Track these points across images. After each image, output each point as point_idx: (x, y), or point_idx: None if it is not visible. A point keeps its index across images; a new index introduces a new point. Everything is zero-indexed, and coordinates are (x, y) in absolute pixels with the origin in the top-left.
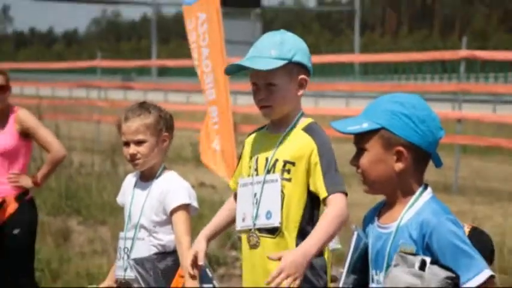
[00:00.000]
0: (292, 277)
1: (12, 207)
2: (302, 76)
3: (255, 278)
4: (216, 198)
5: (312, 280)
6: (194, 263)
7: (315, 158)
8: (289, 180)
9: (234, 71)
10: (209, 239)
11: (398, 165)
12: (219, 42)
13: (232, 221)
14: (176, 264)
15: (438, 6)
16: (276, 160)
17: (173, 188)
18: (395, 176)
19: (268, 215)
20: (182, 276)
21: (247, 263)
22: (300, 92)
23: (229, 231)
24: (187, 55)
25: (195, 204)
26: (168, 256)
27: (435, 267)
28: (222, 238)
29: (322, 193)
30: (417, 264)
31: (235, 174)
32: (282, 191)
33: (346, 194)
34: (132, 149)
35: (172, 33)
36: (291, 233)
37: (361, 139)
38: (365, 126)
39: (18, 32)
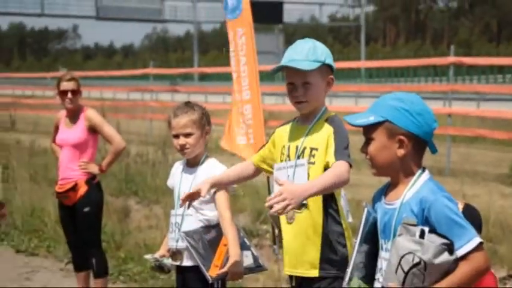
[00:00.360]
0: (287, 201)
1: (83, 189)
2: (331, 76)
3: (290, 245)
4: (248, 181)
5: (333, 245)
6: (191, 196)
7: (331, 139)
8: (313, 163)
9: (277, 71)
10: (212, 185)
11: (400, 151)
12: (253, 52)
13: (238, 181)
14: (219, 234)
15: (429, 21)
16: (304, 148)
17: (215, 171)
18: (398, 160)
19: None
20: (225, 245)
21: (285, 234)
22: (327, 90)
23: (260, 209)
24: (223, 63)
25: (233, 185)
26: (212, 229)
27: (432, 236)
28: (254, 215)
29: (331, 160)
30: (417, 233)
31: (259, 152)
32: (308, 173)
33: (350, 165)
34: (182, 140)
35: (210, 46)
36: (317, 207)
37: (368, 130)
38: (372, 119)
39: (85, 46)
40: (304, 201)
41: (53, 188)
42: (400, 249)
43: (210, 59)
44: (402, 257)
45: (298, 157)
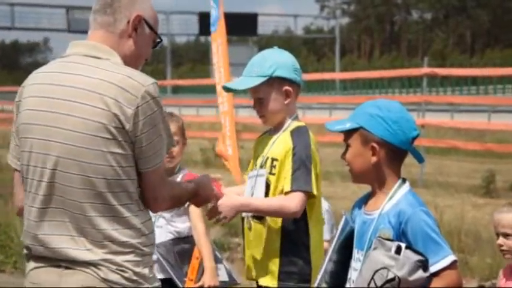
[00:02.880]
0: (223, 214)
1: None
2: (285, 87)
3: (250, 252)
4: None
5: (293, 258)
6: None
7: (288, 158)
8: (274, 174)
9: (229, 91)
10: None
11: (373, 159)
12: (226, 64)
13: None
14: (190, 247)
15: (404, 32)
16: (267, 158)
17: None
18: (372, 168)
19: None
20: (197, 258)
21: (245, 240)
22: (287, 101)
23: (232, 222)
24: (196, 76)
25: None
26: (182, 241)
27: (408, 252)
28: (226, 228)
29: (287, 187)
30: (393, 249)
31: (248, 170)
32: (268, 184)
33: (307, 193)
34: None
35: (183, 58)
36: (275, 220)
37: (347, 137)
38: (348, 125)
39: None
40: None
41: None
42: (374, 263)
43: (183, 71)
44: (376, 271)
45: (261, 167)
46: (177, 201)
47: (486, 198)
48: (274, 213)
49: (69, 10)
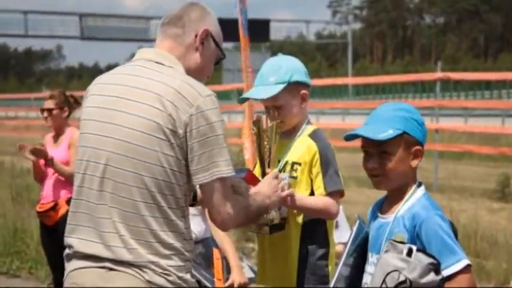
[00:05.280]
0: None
1: (64, 209)
2: (302, 91)
3: (267, 257)
4: None
5: (311, 266)
6: None
7: (317, 160)
8: (295, 178)
9: (245, 101)
10: None
11: (415, 162)
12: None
13: None
14: (207, 250)
15: (416, 37)
16: (286, 162)
17: None
18: (410, 171)
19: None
20: (218, 258)
21: (260, 246)
22: (304, 105)
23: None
24: (208, 82)
25: None
26: (197, 244)
27: (420, 254)
28: (240, 233)
29: (321, 190)
30: (405, 251)
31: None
32: (291, 187)
33: (342, 192)
34: None
35: None
36: (296, 224)
37: (380, 144)
38: (391, 132)
39: (69, 66)
40: (284, 215)
41: (36, 209)
42: (386, 266)
43: None
44: (387, 274)
45: (280, 171)
46: (248, 216)
47: (501, 203)
48: (318, 212)
49: (82, 17)
